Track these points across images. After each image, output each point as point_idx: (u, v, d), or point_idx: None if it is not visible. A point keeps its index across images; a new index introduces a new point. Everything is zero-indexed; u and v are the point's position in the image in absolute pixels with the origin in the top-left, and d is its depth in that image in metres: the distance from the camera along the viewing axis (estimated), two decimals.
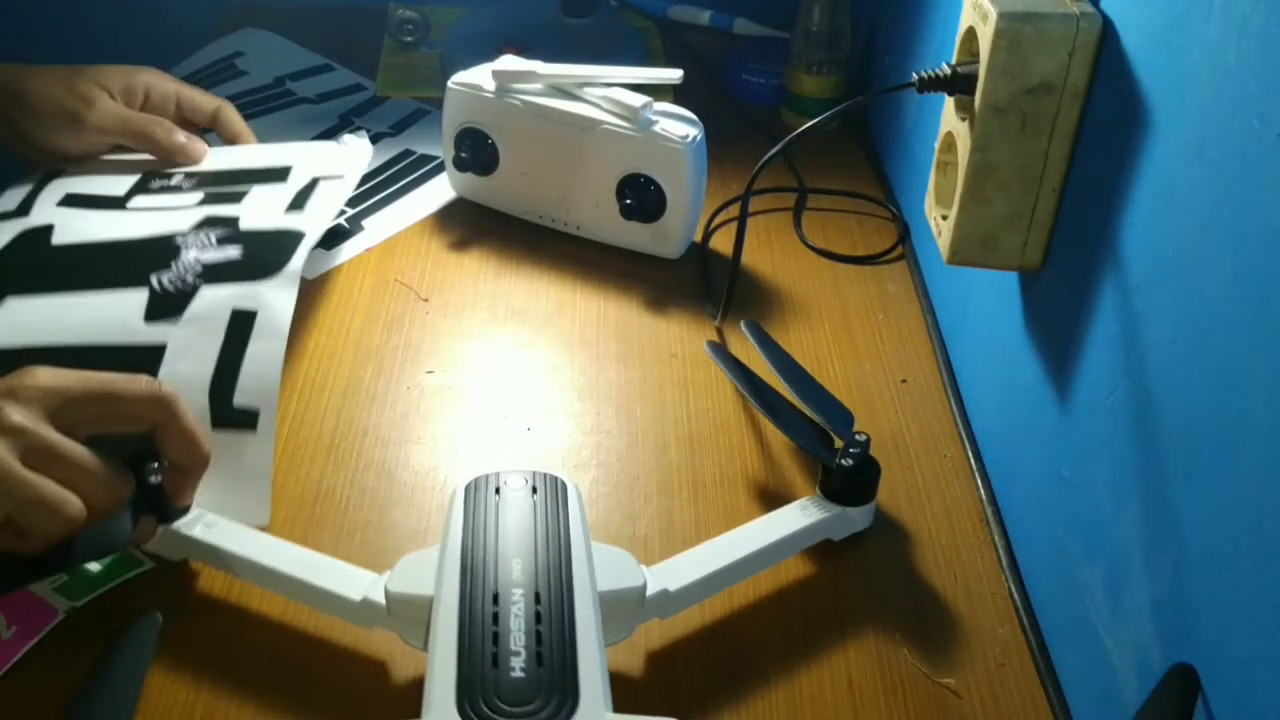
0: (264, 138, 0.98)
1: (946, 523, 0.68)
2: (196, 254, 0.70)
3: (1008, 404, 0.69)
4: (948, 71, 0.62)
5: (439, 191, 0.94)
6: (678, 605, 0.57)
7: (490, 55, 0.89)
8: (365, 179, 0.95)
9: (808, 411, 0.68)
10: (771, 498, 0.69)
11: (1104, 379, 0.55)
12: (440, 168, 0.97)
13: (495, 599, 0.49)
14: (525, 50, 0.92)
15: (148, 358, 0.65)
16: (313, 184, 0.79)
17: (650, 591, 0.55)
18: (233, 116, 0.86)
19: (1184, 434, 0.47)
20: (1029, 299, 0.66)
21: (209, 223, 0.74)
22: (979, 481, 0.70)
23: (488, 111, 0.87)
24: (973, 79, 0.59)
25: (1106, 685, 0.53)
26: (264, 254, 0.71)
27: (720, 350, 0.74)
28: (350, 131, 0.93)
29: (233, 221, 0.74)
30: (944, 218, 0.65)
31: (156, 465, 0.58)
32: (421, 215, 0.92)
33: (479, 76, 0.87)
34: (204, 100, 0.85)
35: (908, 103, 0.92)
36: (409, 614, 0.54)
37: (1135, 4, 0.53)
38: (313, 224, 0.74)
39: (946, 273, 0.80)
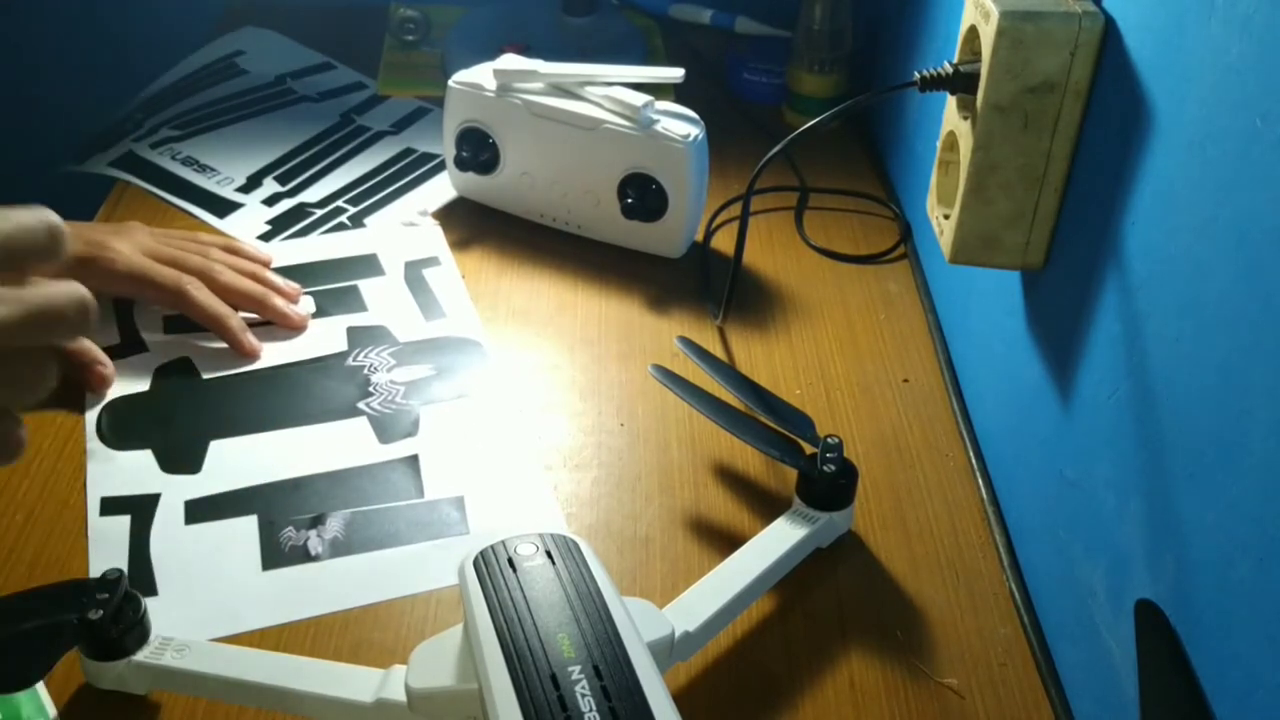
0: (266, 135, 0.99)
1: (948, 522, 0.68)
2: (387, 375, 0.74)
3: (1009, 403, 0.69)
4: (950, 70, 0.62)
5: (440, 190, 0.94)
6: (696, 645, 0.56)
7: (491, 54, 0.89)
8: (365, 177, 0.95)
9: (768, 421, 0.68)
10: (773, 496, 0.69)
11: (1106, 378, 0.55)
12: (441, 166, 0.97)
13: (554, 682, 0.45)
14: (526, 49, 0.92)
15: (408, 466, 0.69)
16: (417, 277, 0.84)
17: (676, 636, 0.54)
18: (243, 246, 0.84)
19: (1186, 434, 0.47)
20: (1031, 298, 0.66)
21: (361, 336, 0.78)
22: (980, 481, 0.70)
23: (489, 110, 0.87)
24: (975, 78, 0.59)
25: (1109, 685, 0.53)
26: (450, 364, 0.77)
27: (670, 374, 0.71)
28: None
29: (384, 333, 0.79)
30: (946, 217, 0.65)
31: (103, 598, 0.53)
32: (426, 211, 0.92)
33: (480, 75, 0.87)
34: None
35: (909, 102, 0.92)
36: (436, 710, 0.51)
37: (1137, 3, 0.53)
38: (472, 328, 0.80)
39: (948, 272, 0.80)
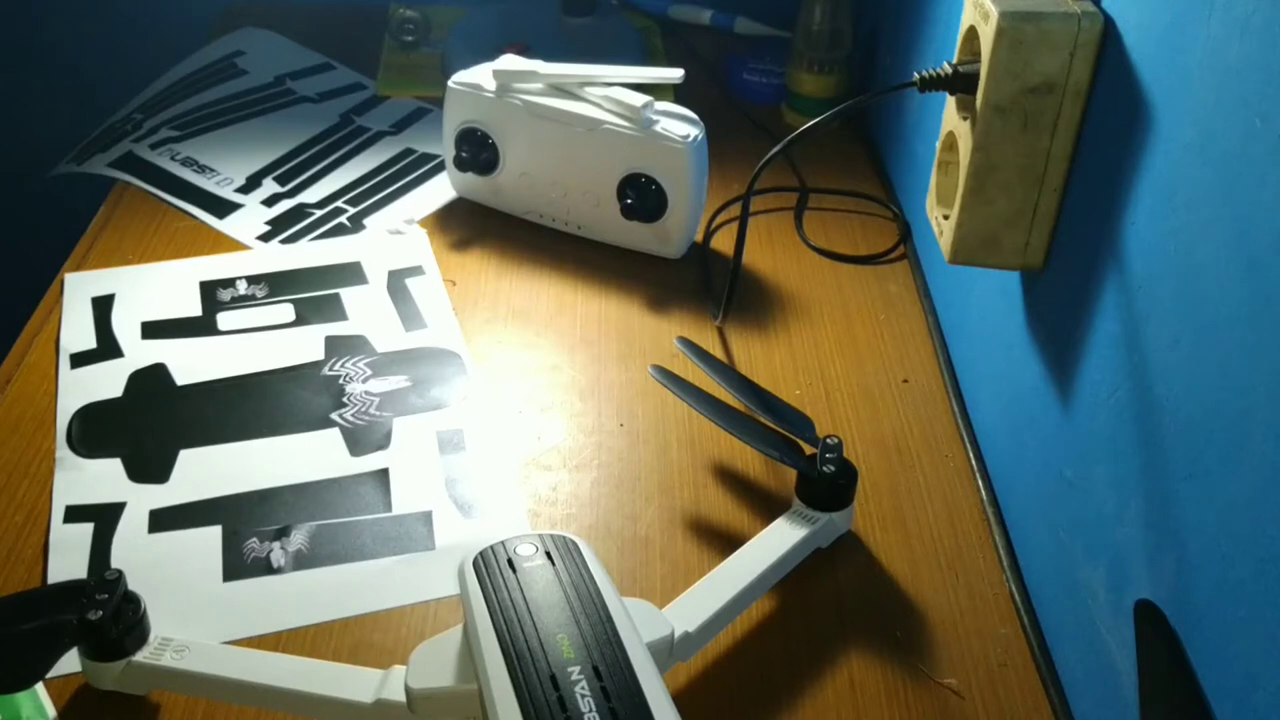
0: (266, 136, 0.99)
1: (948, 522, 0.68)
2: (362, 386, 0.74)
3: (1009, 404, 0.69)
4: (949, 71, 0.62)
5: (439, 191, 0.94)
6: (696, 645, 0.56)
7: (491, 55, 0.89)
8: (365, 178, 0.95)
9: (768, 422, 0.68)
10: (773, 496, 0.69)
11: (1106, 379, 0.55)
12: (440, 167, 0.97)
13: (554, 682, 0.45)
14: (526, 50, 0.92)
15: (378, 480, 0.68)
16: (400, 287, 0.83)
17: (675, 637, 0.54)
18: None
19: (1186, 434, 0.47)
20: (1031, 299, 0.66)
21: (339, 345, 0.77)
22: (980, 481, 0.70)
23: (488, 111, 0.87)
24: (974, 78, 0.59)
25: (1108, 685, 0.53)
26: (427, 375, 0.76)
27: (670, 375, 0.71)
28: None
29: (363, 343, 0.78)
30: (945, 217, 0.65)
31: (102, 599, 0.53)
32: (422, 215, 0.92)
33: (480, 76, 0.87)
34: None
35: (909, 102, 0.92)
36: (436, 710, 0.51)
37: (1137, 3, 0.53)
38: (453, 340, 0.79)
39: (948, 272, 0.80)
